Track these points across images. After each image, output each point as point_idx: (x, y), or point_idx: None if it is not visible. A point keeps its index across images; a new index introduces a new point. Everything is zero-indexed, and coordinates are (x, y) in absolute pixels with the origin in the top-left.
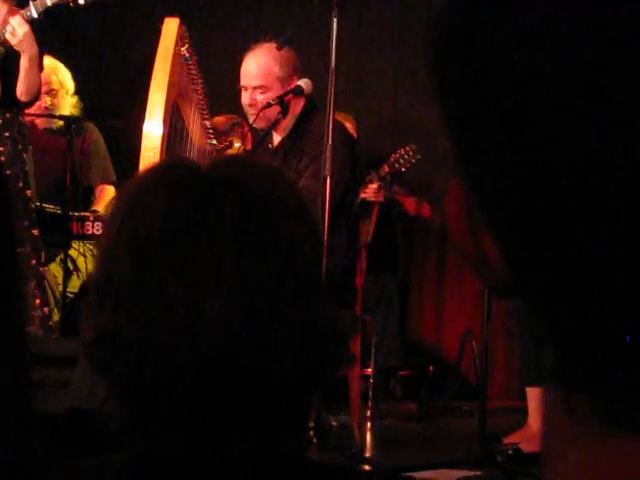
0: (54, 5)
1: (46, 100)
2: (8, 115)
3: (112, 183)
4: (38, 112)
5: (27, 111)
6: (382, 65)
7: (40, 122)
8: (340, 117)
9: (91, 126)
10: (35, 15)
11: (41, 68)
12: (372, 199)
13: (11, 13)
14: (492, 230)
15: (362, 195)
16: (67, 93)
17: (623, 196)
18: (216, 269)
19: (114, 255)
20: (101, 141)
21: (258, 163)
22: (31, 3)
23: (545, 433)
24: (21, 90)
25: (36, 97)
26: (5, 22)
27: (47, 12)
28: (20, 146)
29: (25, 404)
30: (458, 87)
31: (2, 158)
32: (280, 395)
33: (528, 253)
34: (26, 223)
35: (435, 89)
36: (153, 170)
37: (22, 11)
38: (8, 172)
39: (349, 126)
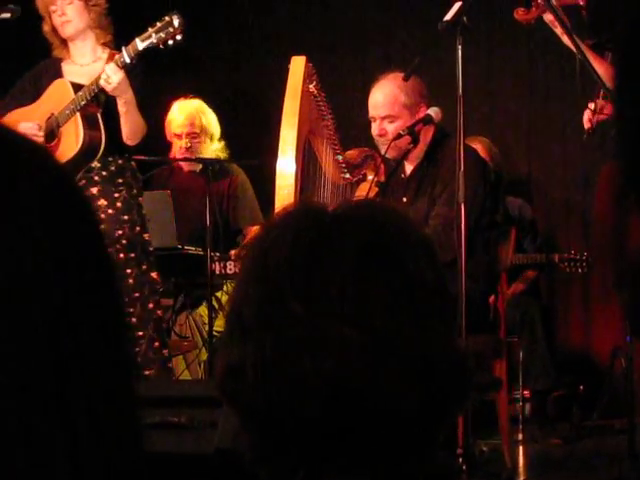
0: (145, 49)
1: (186, 142)
2: (120, 161)
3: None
4: (179, 154)
5: (171, 155)
6: (514, 88)
7: (185, 164)
8: (470, 140)
9: (237, 169)
10: (128, 60)
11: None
12: None
13: (111, 58)
14: None
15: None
16: (210, 138)
17: None
18: (339, 293)
19: (244, 290)
20: (248, 184)
21: (382, 203)
22: (123, 49)
23: None
24: (125, 135)
25: (143, 139)
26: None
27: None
28: (135, 191)
29: (137, 451)
30: None
31: (118, 204)
32: (399, 426)
33: None
34: (144, 267)
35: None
36: (283, 211)
37: (116, 57)
38: (126, 217)
39: (479, 147)
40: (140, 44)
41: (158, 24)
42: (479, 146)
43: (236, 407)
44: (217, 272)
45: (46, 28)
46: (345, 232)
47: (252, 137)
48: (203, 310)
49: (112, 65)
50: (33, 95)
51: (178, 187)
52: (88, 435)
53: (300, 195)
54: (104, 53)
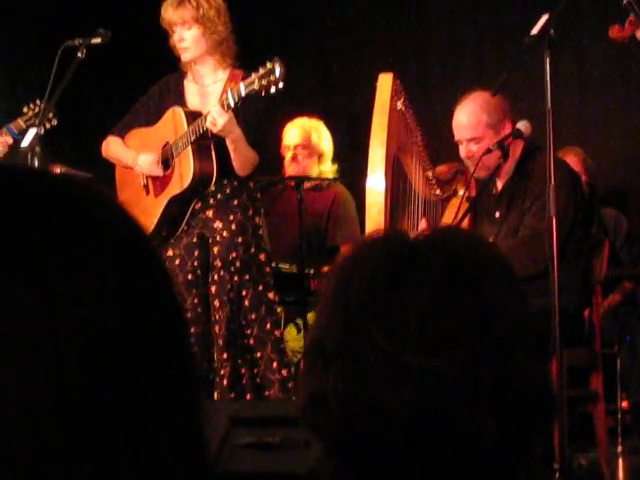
0: (247, 94)
1: (293, 153)
2: (236, 183)
3: None
4: (287, 165)
5: (284, 170)
6: (607, 98)
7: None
8: (564, 152)
9: (342, 187)
10: (232, 104)
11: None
12: None
13: (232, 79)
14: None
15: None
16: (319, 157)
17: None
18: (419, 323)
19: (325, 321)
20: (350, 203)
21: (463, 230)
22: (229, 91)
23: None
24: (236, 168)
25: (255, 170)
26: (225, 91)
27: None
28: (251, 212)
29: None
30: None
31: (233, 227)
32: (481, 455)
33: None
34: (260, 287)
35: None
36: (362, 240)
37: (222, 99)
38: (240, 239)
39: (574, 159)
40: (244, 89)
41: (261, 71)
42: (573, 158)
43: (319, 435)
44: (313, 288)
45: (171, 42)
46: (424, 263)
47: (342, 155)
48: (290, 329)
49: (218, 108)
50: (156, 111)
51: (284, 205)
52: (152, 466)
53: (390, 213)
54: (225, 73)
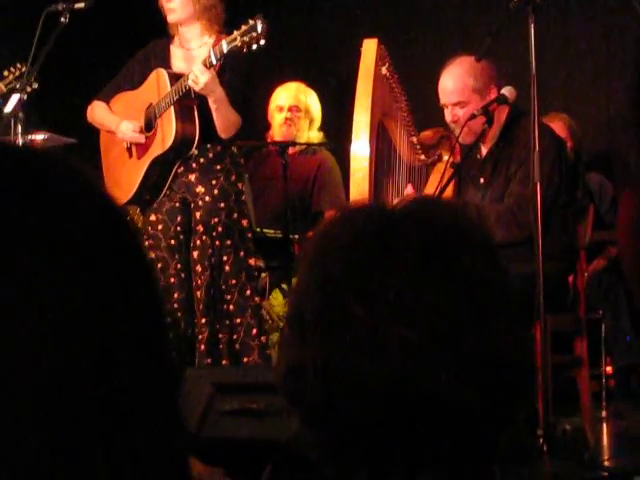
0: (230, 52)
1: (288, 114)
2: (219, 148)
3: None
4: (278, 128)
5: (270, 134)
6: (593, 64)
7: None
8: (550, 118)
9: (327, 153)
10: (215, 61)
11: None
12: None
13: (218, 44)
14: None
15: None
16: (310, 122)
17: None
18: (396, 293)
19: (304, 290)
20: (335, 169)
21: (444, 200)
22: (211, 49)
23: None
24: (218, 129)
25: (237, 133)
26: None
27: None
28: (233, 177)
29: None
30: None
31: (215, 191)
32: (461, 426)
33: None
34: (242, 253)
35: None
36: (343, 209)
37: (204, 58)
38: (222, 204)
39: (559, 125)
40: (226, 46)
41: (243, 27)
42: (559, 124)
43: (298, 406)
44: (297, 253)
45: (160, 1)
46: (403, 233)
47: (326, 120)
48: (276, 294)
49: (200, 66)
50: (142, 75)
51: (269, 170)
52: (127, 455)
53: (375, 178)
54: (210, 38)
